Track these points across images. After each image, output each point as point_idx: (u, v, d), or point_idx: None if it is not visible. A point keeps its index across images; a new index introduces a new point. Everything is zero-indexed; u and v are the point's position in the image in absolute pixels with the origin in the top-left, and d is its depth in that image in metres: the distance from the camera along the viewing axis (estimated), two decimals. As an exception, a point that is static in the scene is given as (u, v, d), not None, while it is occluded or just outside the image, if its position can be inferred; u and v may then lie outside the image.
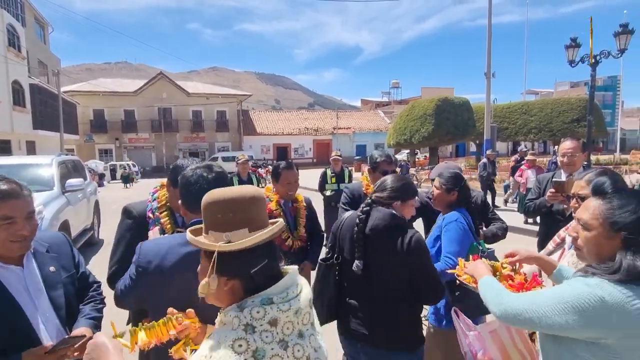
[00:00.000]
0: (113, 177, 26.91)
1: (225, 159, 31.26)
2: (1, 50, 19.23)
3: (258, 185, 6.20)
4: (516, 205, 10.26)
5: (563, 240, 1.99)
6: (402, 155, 28.34)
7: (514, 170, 10.31)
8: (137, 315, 1.70)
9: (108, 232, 7.47)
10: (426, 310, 2.46)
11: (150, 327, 1.15)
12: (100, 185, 20.53)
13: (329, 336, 2.08)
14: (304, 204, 2.87)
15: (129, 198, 2.15)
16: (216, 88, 42.94)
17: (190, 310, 1.20)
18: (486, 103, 16.38)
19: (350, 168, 7.66)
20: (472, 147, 32.33)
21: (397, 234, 1.77)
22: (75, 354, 1.35)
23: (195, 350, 1.04)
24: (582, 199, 1.73)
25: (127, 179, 23.41)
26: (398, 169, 14.32)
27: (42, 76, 27.61)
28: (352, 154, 35.38)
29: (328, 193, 6.53)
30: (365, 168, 3.49)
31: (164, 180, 1.95)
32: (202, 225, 1.00)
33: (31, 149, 22.29)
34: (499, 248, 2.27)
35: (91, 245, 7.51)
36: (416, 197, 2.01)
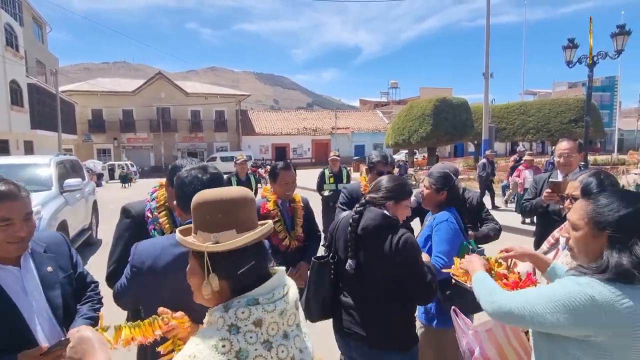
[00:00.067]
0: (111, 177, 26.87)
1: (223, 159, 31.26)
2: (-1, 50, 19.19)
3: (257, 185, 6.21)
4: (514, 205, 10.30)
5: (557, 241, 2.01)
6: (401, 156, 28.38)
7: (513, 170, 10.35)
8: (135, 315, 1.71)
9: (106, 232, 7.47)
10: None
11: (135, 325, 1.16)
12: (99, 185, 20.51)
13: (327, 335, 2.11)
14: (302, 204, 2.87)
15: (127, 198, 2.16)
16: (215, 88, 42.90)
17: (180, 312, 1.20)
18: (484, 103, 16.42)
19: (348, 168, 7.68)
20: (471, 148, 32.36)
21: (387, 234, 1.78)
22: None
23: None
24: (576, 199, 1.75)
25: (125, 179, 23.38)
26: (396, 169, 14.37)
27: (40, 76, 27.54)
28: (350, 154, 35.41)
29: (326, 193, 6.53)
30: (364, 168, 3.51)
31: (163, 180, 1.96)
32: (192, 226, 1.00)
33: (29, 148, 22.23)
34: (496, 248, 2.29)
35: (89, 245, 7.50)
36: (412, 198, 2.03)
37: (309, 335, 1.06)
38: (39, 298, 1.45)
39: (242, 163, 6.08)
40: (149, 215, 1.90)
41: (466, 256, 1.66)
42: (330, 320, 2.04)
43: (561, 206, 2.73)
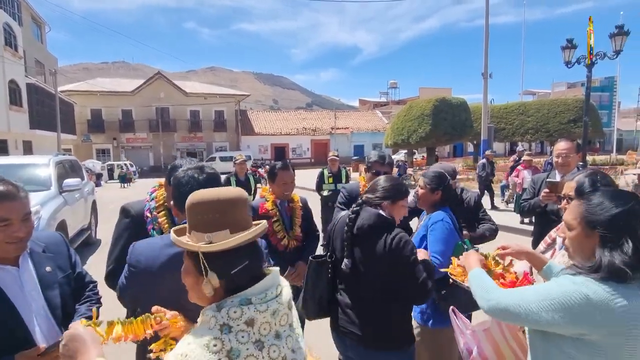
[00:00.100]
0: (110, 177, 26.86)
1: (222, 159, 31.26)
2: (-2, 50, 19.16)
3: (256, 185, 6.21)
4: (514, 205, 10.32)
5: (554, 241, 2.02)
6: (400, 156, 28.40)
7: (512, 170, 10.39)
8: (133, 314, 1.71)
9: (105, 232, 7.46)
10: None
11: (128, 322, 1.16)
12: (98, 185, 20.49)
13: (327, 334, 2.11)
14: (300, 204, 2.88)
15: (126, 198, 2.17)
16: (214, 88, 42.89)
17: (174, 312, 1.20)
18: (483, 103, 16.43)
19: (348, 168, 7.69)
20: (470, 148, 32.39)
21: (381, 234, 1.79)
22: None
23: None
24: (572, 199, 1.76)
25: (124, 179, 23.36)
26: (395, 169, 14.38)
27: (39, 76, 27.52)
28: (350, 154, 35.42)
29: (325, 193, 6.54)
30: (363, 168, 3.52)
31: (162, 180, 1.96)
32: (187, 226, 1.01)
33: (28, 148, 22.21)
34: (493, 248, 2.30)
35: (88, 245, 7.50)
36: (410, 198, 2.03)
37: (302, 336, 1.06)
38: (38, 298, 1.45)
39: (241, 163, 6.08)
40: (148, 215, 1.90)
41: (464, 253, 1.66)
42: (324, 318, 2.05)
43: (559, 206, 2.74)
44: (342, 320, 1.92)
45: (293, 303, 1.07)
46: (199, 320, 0.94)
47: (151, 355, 1.16)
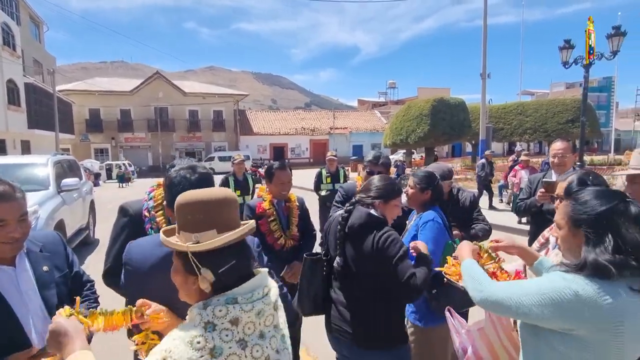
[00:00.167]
0: (109, 177, 26.82)
1: (221, 159, 31.26)
2: (-4, 49, 19.12)
3: (254, 185, 6.22)
4: (511, 205, 10.35)
5: (547, 241, 2.04)
6: (399, 156, 28.42)
7: (511, 170, 10.42)
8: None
9: (103, 231, 7.47)
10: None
11: (109, 313, 1.17)
12: (96, 184, 20.46)
13: (325, 333, 2.13)
14: (297, 204, 2.90)
15: (124, 198, 2.18)
16: (213, 88, 42.86)
17: (158, 307, 1.20)
18: (481, 104, 16.47)
19: (346, 168, 7.69)
20: (469, 148, 32.46)
21: (371, 232, 1.81)
22: None
23: (156, 343, 1.08)
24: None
25: (122, 179, 23.34)
26: (394, 169, 14.40)
27: (37, 75, 27.45)
28: (348, 154, 35.41)
29: (323, 193, 6.54)
30: (361, 168, 3.55)
31: (161, 180, 1.97)
32: (176, 226, 1.03)
33: (26, 148, 22.16)
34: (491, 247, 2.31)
35: (86, 244, 7.50)
36: (404, 198, 2.05)
37: (288, 337, 1.08)
38: (34, 298, 1.44)
39: (240, 163, 6.07)
40: (147, 214, 1.91)
41: (459, 245, 1.66)
42: (319, 315, 2.07)
43: (553, 206, 2.76)
44: (335, 318, 1.94)
45: (280, 304, 1.08)
46: (187, 317, 0.95)
47: (132, 347, 1.18)
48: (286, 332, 1.08)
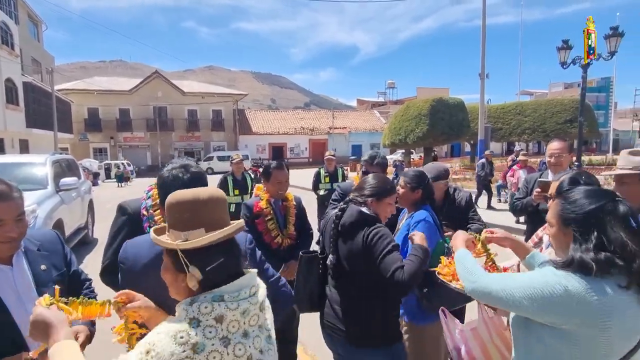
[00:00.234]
0: (108, 176, 26.81)
1: (220, 159, 31.27)
2: (-6, 48, 19.08)
3: (252, 184, 6.23)
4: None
5: (541, 240, 2.06)
6: (397, 155, 28.46)
7: (510, 169, 10.45)
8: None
9: (102, 231, 7.47)
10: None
11: (88, 303, 1.18)
12: (95, 184, 20.45)
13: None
14: (294, 203, 2.92)
15: (123, 197, 2.19)
16: (212, 87, 42.85)
17: (137, 303, 1.21)
18: (480, 104, 16.51)
19: (345, 168, 7.70)
20: (468, 148, 32.50)
21: (361, 229, 1.82)
22: None
23: (136, 333, 1.13)
24: None
25: (121, 178, 23.32)
26: (393, 169, 14.40)
27: (36, 74, 27.41)
28: (348, 154, 35.46)
29: (321, 192, 6.57)
30: (359, 167, 3.58)
31: (159, 179, 1.98)
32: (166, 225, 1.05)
33: (24, 147, 22.12)
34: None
35: (85, 244, 7.50)
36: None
37: (273, 338, 1.09)
38: (31, 297, 1.42)
39: (238, 162, 6.08)
40: (145, 213, 1.92)
41: (455, 234, 1.66)
42: (315, 312, 2.09)
43: (548, 205, 2.78)
44: (330, 316, 1.95)
45: (268, 305, 1.10)
46: (176, 313, 0.97)
47: (114, 340, 1.20)
48: (272, 333, 1.10)
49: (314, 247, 2.93)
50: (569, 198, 1.18)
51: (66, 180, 6.38)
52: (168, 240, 1.01)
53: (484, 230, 1.69)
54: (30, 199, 5.27)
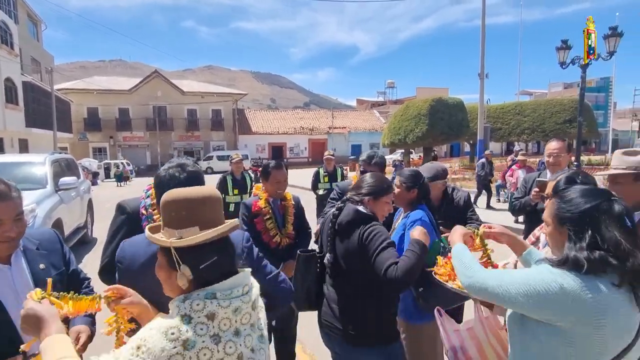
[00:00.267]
0: (107, 176, 26.80)
1: (220, 158, 31.26)
2: (-6, 48, 19.06)
3: (252, 184, 6.23)
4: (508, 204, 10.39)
5: (538, 239, 2.07)
6: (397, 155, 28.47)
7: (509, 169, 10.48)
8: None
9: (101, 230, 7.47)
10: None
11: (79, 298, 1.20)
12: (94, 183, 20.45)
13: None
14: (293, 202, 2.93)
15: (122, 197, 2.20)
16: (211, 87, 42.84)
17: (129, 299, 1.21)
18: (479, 104, 16.53)
19: (345, 168, 7.71)
20: (467, 148, 32.51)
21: (357, 228, 1.83)
22: None
23: (124, 327, 1.15)
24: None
25: (120, 178, 23.31)
26: (392, 168, 14.41)
27: (35, 74, 27.39)
28: (347, 154, 35.45)
29: (321, 192, 6.57)
30: (358, 167, 3.59)
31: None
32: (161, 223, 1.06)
33: (24, 147, 22.11)
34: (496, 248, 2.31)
35: (84, 243, 7.50)
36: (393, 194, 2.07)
37: (266, 338, 1.10)
38: None
39: (238, 162, 6.08)
40: (144, 212, 1.92)
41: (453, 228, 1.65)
42: (312, 311, 2.10)
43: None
44: (327, 314, 1.96)
45: (261, 305, 1.11)
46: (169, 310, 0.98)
47: (103, 330, 1.21)
48: (265, 332, 1.10)
49: (313, 246, 2.94)
50: (565, 197, 1.19)
51: (65, 180, 6.38)
52: (163, 238, 1.02)
53: (482, 225, 1.69)
54: (29, 198, 5.27)
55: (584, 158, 19.72)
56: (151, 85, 35.47)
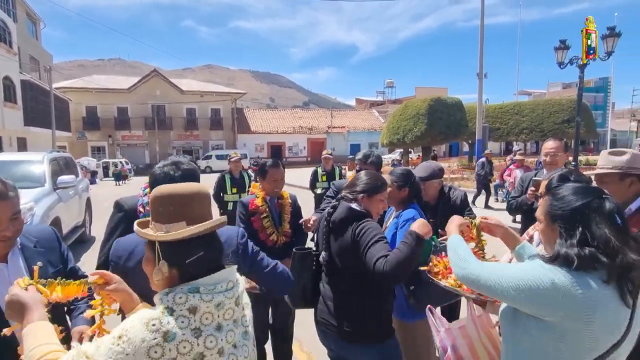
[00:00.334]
0: (106, 175, 26.75)
1: (219, 157, 31.23)
2: (-8, 46, 19.02)
3: (250, 183, 6.24)
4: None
5: (532, 238, 2.09)
6: (395, 155, 28.50)
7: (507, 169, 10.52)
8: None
9: (100, 229, 7.45)
10: None
11: (66, 283, 1.22)
12: (93, 182, 20.42)
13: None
14: (289, 201, 2.94)
15: (120, 196, 2.21)
16: (210, 86, 42.80)
17: (114, 285, 1.23)
18: (478, 103, 16.56)
19: (343, 167, 7.73)
20: (466, 147, 32.56)
21: (350, 225, 1.84)
22: None
23: (108, 311, 1.19)
24: None
25: (118, 177, 23.28)
26: (391, 168, 14.42)
27: (34, 72, 27.34)
28: (346, 153, 35.48)
29: (319, 191, 6.58)
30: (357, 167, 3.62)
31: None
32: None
33: (22, 145, 22.06)
34: (491, 245, 2.32)
35: (82, 242, 7.50)
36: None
37: (250, 335, 1.11)
38: None
39: (236, 161, 6.09)
40: (141, 210, 1.94)
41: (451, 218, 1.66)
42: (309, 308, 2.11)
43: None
44: (323, 311, 1.97)
45: (246, 302, 1.12)
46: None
47: (86, 313, 1.24)
48: (250, 329, 1.11)
49: (309, 244, 2.96)
50: (557, 195, 1.21)
51: (64, 178, 6.38)
52: (150, 232, 1.04)
53: (479, 217, 1.70)
54: (27, 196, 5.27)
55: (582, 158, 19.77)
56: (150, 84, 35.42)
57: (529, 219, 3.15)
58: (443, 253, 1.73)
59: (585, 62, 9.58)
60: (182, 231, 1.00)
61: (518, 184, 3.50)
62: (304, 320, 2.83)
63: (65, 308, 1.60)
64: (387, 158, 25.48)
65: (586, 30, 9.46)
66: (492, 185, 11.71)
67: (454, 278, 1.55)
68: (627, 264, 1.06)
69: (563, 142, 3.38)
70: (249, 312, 1.13)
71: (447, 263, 1.67)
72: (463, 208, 2.91)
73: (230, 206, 5.67)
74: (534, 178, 3.15)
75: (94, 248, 7.23)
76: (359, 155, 3.13)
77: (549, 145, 3.23)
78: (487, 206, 10.69)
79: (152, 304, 1.24)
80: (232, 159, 6.07)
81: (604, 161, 2.00)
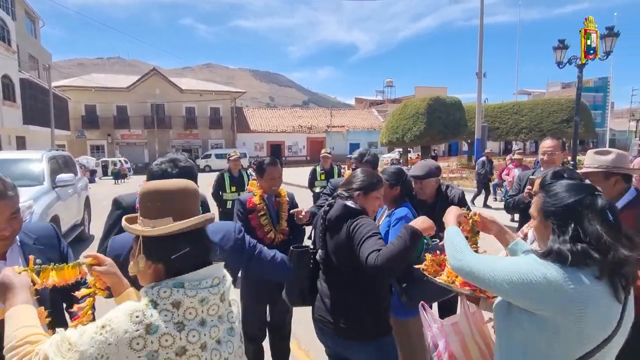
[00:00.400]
0: (105, 174, 26.73)
1: (218, 156, 31.25)
2: (-9, 44, 18.99)
3: (248, 181, 6.25)
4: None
5: (526, 236, 2.11)
6: (395, 154, 28.52)
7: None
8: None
9: (98, 227, 7.45)
10: None
11: (60, 268, 1.24)
12: (92, 181, 20.40)
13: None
14: (287, 199, 2.95)
15: (119, 194, 2.22)
16: (210, 85, 42.78)
17: (105, 267, 1.26)
18: (477, 103, 16.57)
19: (342, 166, 7.75)
20: (465, 147, 32.59)
21: (346, 222, 1.85)
22: None
23: (98, 292, 1.23)
24: None
25: (117, 175, 23.26)
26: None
27: (33, 71, 27.29)
28: (346, 153, 35.49)
29: (317, 190, 6.60)
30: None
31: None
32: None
33: (21, 144, 22.03)
34: (486, 243, 2.33)
35: (81, 240, 7.51)
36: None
37: (236, 331, 1.12)
38: None
39: (235, 160, 6.10)
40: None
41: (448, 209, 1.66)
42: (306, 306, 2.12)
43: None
44: (320, 309, 1.98)
45: (233, 299, 1.13)
46: None
47: (79, 292, 1.27)
48: (236, 326, 1.12)
49: (307, 242, 2.97)
50: (550, 192, 1.22)
51: (63, 177, 6.39)
52: (138, 227, 1.05)
53: (474, 212, 1.71)
54: (26, 195, 5.28)
55: (581, 158, 19.77)
56: (149, 83, 35.39)
57: (526, 218, 3.15)
58: (438, 252, 1.74)
59: (584, 61, 9.61)
60: (168, 226, 1.01)
61: (515, 182, 3.51)
62: (302, 318, 2.85)
63: (65, 305, 1.61)
64: (387, 157, 25.48)
65: (585, 30, 9.48)
66: (490, 184, 11.72)
67: (447, 275, 1.56)
68: (618, 260, 1.08)
69: (561, 141, 3.39)
70: (235, 309, 1.14)
71: (440, 260, 1.68)
72: (461, 206, 2.92)
73: (229, 204, 5.69)
74: (530, 177, 3.16)
75: (93, 246, 7.23)
76: (355, 154, 3.15)
77: (547, 143, 3.24)
78: (485, 205, 10.71)
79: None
80: (232, 158, 6.08)
81: (590, 160, 2.04)
